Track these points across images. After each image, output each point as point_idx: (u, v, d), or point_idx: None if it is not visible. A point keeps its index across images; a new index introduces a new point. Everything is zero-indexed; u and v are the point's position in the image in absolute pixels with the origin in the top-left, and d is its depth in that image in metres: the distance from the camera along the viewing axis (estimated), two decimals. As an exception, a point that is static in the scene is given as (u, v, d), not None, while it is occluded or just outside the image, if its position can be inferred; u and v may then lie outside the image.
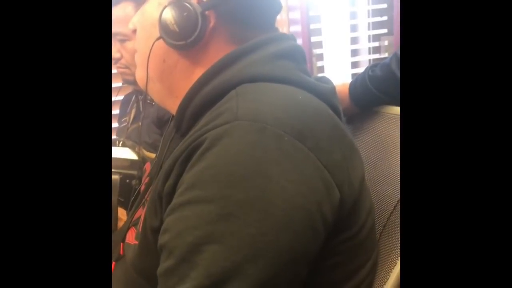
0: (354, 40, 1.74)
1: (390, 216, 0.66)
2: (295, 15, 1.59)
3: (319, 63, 1.72)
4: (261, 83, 0.53)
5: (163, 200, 0.51)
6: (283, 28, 1.61)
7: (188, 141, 0.49)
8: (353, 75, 1.77)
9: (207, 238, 0.43)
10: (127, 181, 0.95)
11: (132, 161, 0.99)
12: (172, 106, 0.62)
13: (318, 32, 1.67)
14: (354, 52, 1.76)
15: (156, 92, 0.64)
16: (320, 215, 0.47)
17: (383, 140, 0.75)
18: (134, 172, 0.96)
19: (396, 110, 0.75)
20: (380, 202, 0.70)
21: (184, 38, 0.56)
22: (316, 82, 0.57)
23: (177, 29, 0.56)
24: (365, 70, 0.79)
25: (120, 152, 1.02)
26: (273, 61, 0.56)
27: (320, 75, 1.68)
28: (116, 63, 1.24)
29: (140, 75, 0.64)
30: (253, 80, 0.53)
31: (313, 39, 1.65)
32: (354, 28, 1.74)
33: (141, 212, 0.70)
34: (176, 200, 0.47)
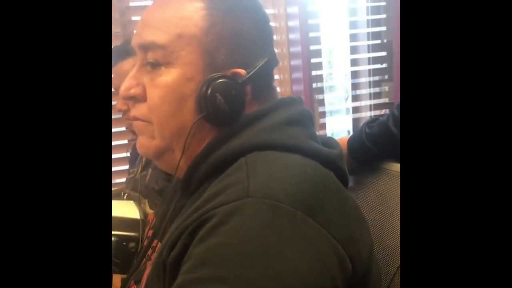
0: (355, 86, 1.78)
1: (393, 277, 0.65)
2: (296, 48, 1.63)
3: (320, 108, 1.74)
4: (271, 152, 0.54)
5: (167, 269, 0.50)
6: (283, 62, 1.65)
7: (198, 213, 0.48)
8: (353, 119, 1.80)
9: None
10: (124, 243, 0.92)
11: (132, 220, 0.96)
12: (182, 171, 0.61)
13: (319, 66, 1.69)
14: (355, 98, 1.79)
15: (171, 161, 0.61)
16: None
17: (383, 196, 0.75)
18: (133, 234, 0.93)
19: (396, 166, 0.76)
20: (381, 259, 0.69)
21: (233, 116, 0.57)
22: (324, 149, 0.58)
23: (227, 108, 0.56)
24: (362, 126, 0.81)
25: (122, 208, 1.00)
26: (283, 128, 0.57)
27: (322, 121, 1.71)
28: (123, 115, 1.25)
29: (157, 145, 0.60)
30: (263, 147, 0.54)
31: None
32: (355, 74, 1.78)
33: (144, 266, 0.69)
34: (184, 276, 0.46)
